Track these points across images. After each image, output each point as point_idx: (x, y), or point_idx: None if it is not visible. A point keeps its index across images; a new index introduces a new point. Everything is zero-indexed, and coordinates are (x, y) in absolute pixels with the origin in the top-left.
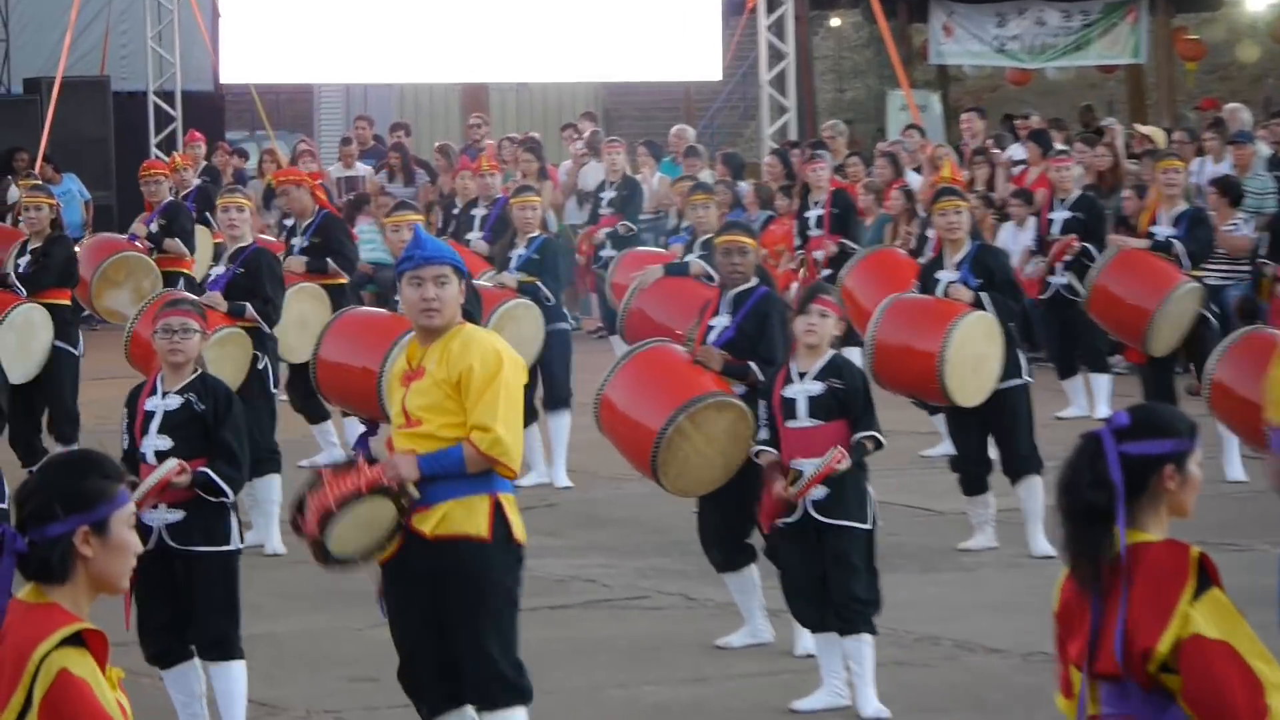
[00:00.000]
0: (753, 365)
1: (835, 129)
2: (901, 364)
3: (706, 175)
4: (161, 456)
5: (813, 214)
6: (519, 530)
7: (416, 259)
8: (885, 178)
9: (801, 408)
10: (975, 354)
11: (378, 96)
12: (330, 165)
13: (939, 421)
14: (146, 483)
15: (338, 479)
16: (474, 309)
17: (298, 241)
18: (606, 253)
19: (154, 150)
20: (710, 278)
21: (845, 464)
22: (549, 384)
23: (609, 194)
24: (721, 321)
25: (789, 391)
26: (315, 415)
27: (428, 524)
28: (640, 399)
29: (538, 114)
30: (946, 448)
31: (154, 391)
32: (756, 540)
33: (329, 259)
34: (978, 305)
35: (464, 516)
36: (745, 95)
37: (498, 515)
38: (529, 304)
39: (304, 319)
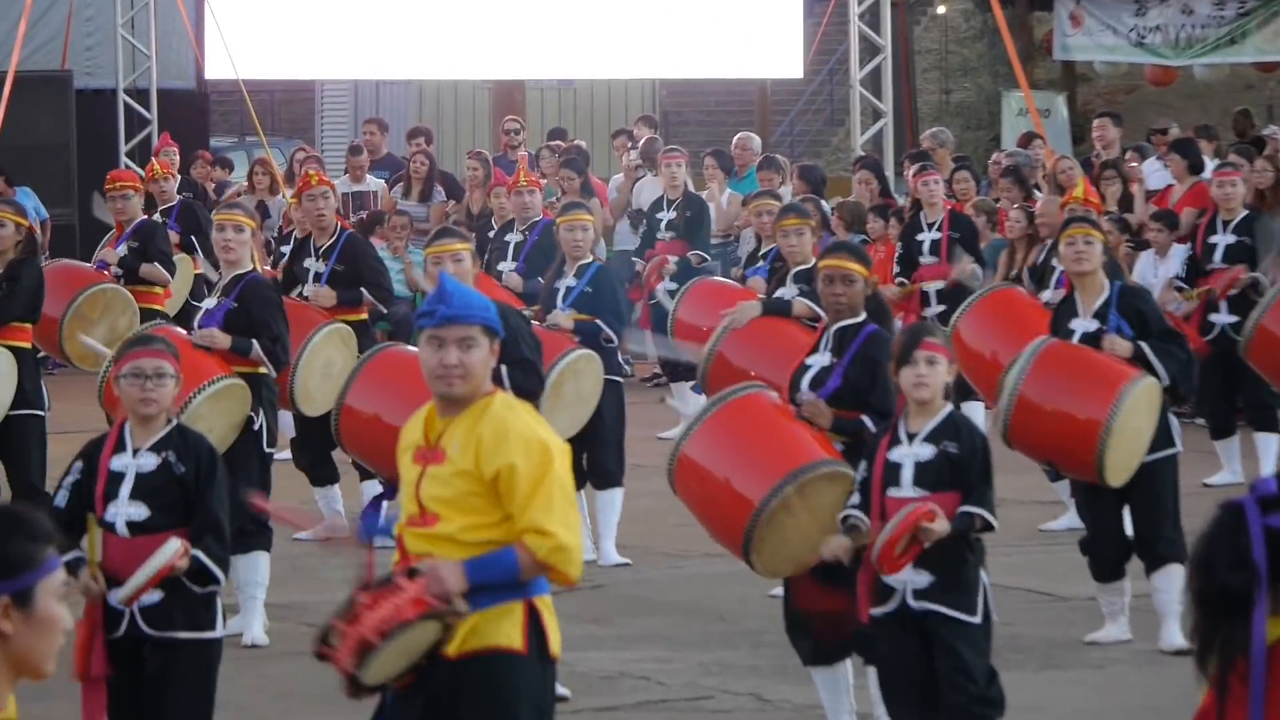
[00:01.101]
0: (866, 420)
1: (939, 138)
2: (1051, 428)
3: (785, 193)
4: (136, 529)
5: (927, 238)
6: (555, 641)
7: (438, 316)
8: (1012, 198)
9: (907, 474)
10: (1135, 425)
11: (392, 96)
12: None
13: (1061, 489)
14: (146, 570)
15: (376, 601)
16: (533, 358)
17: (313, 266)
18: (666, 285)
19: (124, 159)
20: (815, 321)
21: (940, 526)
22: (599, 451)
23: (667, 214)
24: (820, 360)
25: (895, 455)
26: (322, 477)
27: (451, 645)
28: (733, 461)
29: (583, 118)
30: (1070, 520)
31: (120, 447)
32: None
33: (364, 290)
34: (1138, 359)
35: (494, 628)
36: (832, 97)
37: (533, 623)
38: (591, 355)
39: (329, 367)
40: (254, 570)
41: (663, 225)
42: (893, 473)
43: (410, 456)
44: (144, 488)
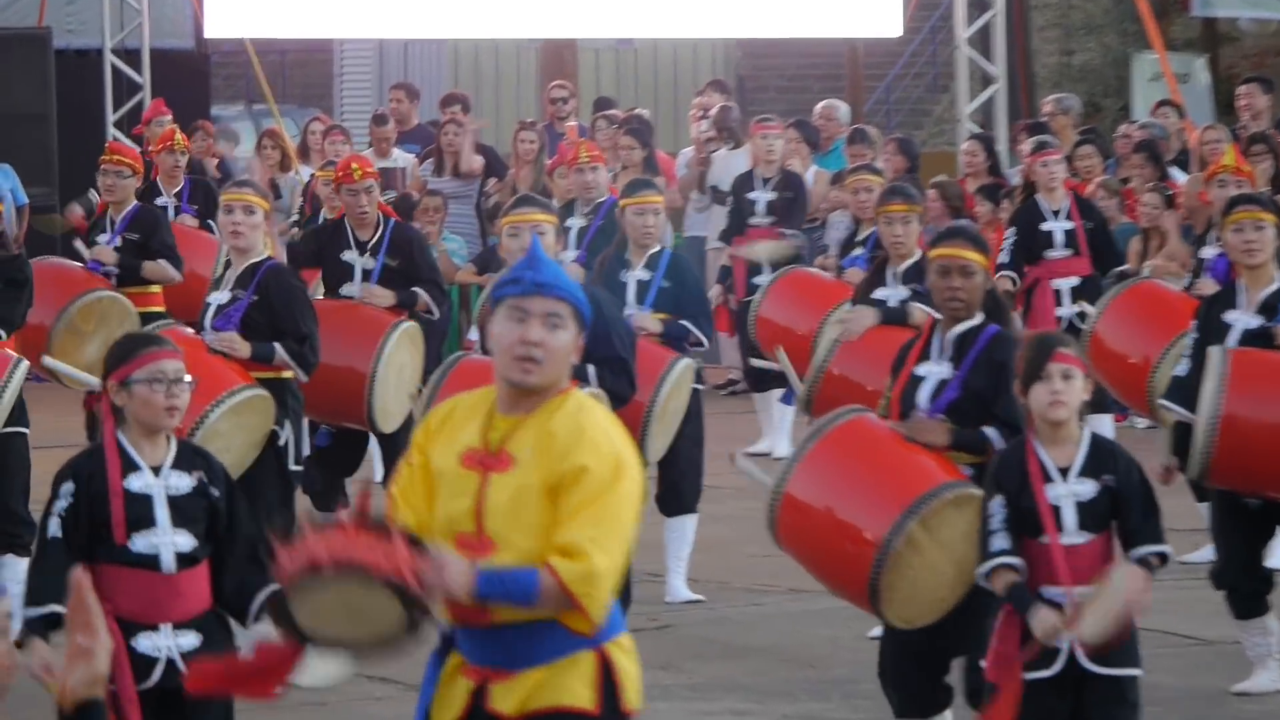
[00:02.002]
0: (990, 433)
1: (1060, 105)
2: (1267, 449)
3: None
4: (187, 561)
5: (1057, 227)
6: (633, 692)
7: (526, 283)
8: (1144, 177)
9: (1069, 518)
10: None
11: (423, 58)
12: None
13: (1207, 511)
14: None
15: (356, 535)
16: (628, 358)
17: (357, 261)
18: (761, 279)
19: (111, 130)
20: None
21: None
22: (674, 472)
23: (763, 193)
24: (936, 371)
25: (1051, 495)
26: (327, 507)
27: (510, 700)
28: (846, 499)
29: (644, 84)
30: (1211, 551)
31: (131, 466)
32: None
33: (419, 290)
34: None
35: (560, 684)
36: (934, 59)
37: (606, 676)
38: (691, 364)
39: (402, 372)
40: None
41: (759, 207)
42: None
43: (457, 459)
44: (184, 513)
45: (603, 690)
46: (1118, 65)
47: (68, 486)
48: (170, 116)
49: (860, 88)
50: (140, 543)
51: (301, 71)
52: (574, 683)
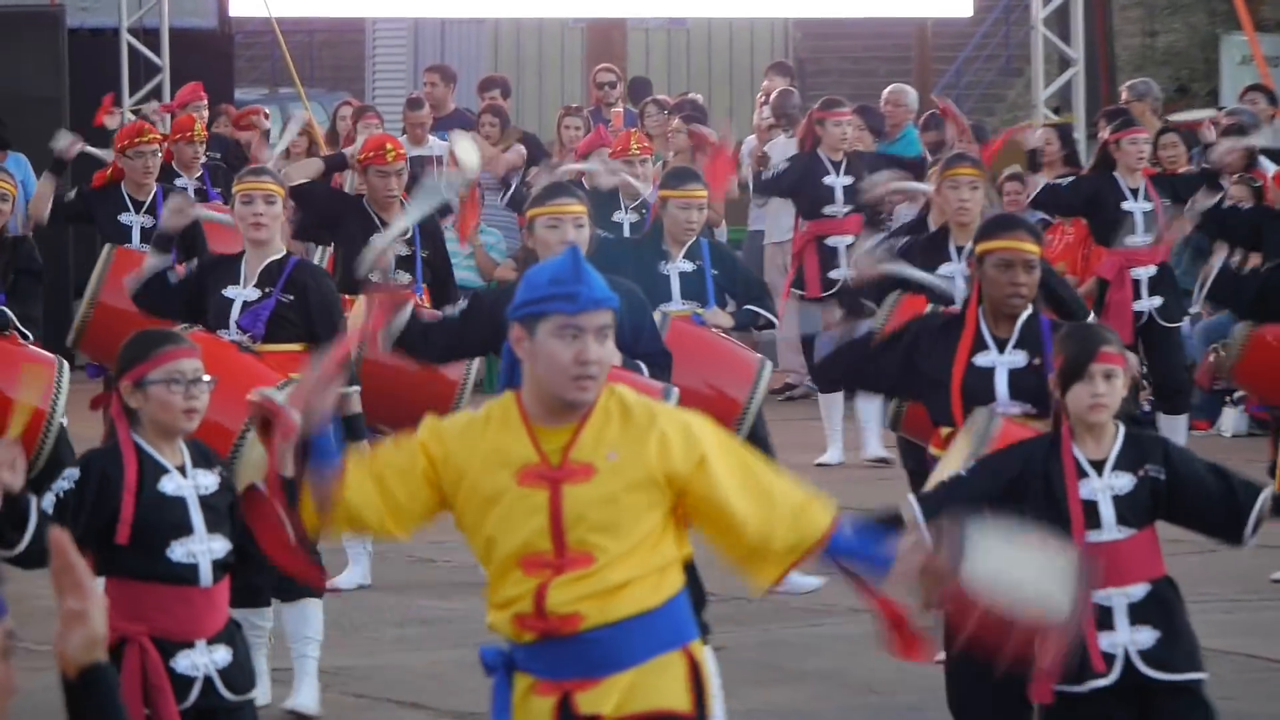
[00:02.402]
0: None
1: (1140, 90)
2: None
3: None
4: (222, 569)
5: (1136, 209)
6: (712, 695)
7: (580, 299)
8: (1233, 166)
9: (1107, 513)
10: None
11: (461, 39)
12: None
13: None
14: None
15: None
16: (667, 350)
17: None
18: (838, 273)
19: (128, 115)
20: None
21: None
22: None
23: (839, 179)
24: (1007, 360)
25: (1085, 491)
26: None
27: (608, 703)
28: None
29: (698, 66)
30: None
31: (156, 468)
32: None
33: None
34: None
35: (658, 685)
36: (1008, 40)
37: (695, 677)
38: (771, 366)
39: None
40: (304, 624)
41: (838, 194)
42: (1089, 513)
43: (512, 478)
44: (215, 514)
45: (695, 692)
46: (1205, 47)
47: (73, 472)
48: (205, 101)
49: (928, 71)
50: (179, 551)
51: (331, 53)
52: (670, 684)
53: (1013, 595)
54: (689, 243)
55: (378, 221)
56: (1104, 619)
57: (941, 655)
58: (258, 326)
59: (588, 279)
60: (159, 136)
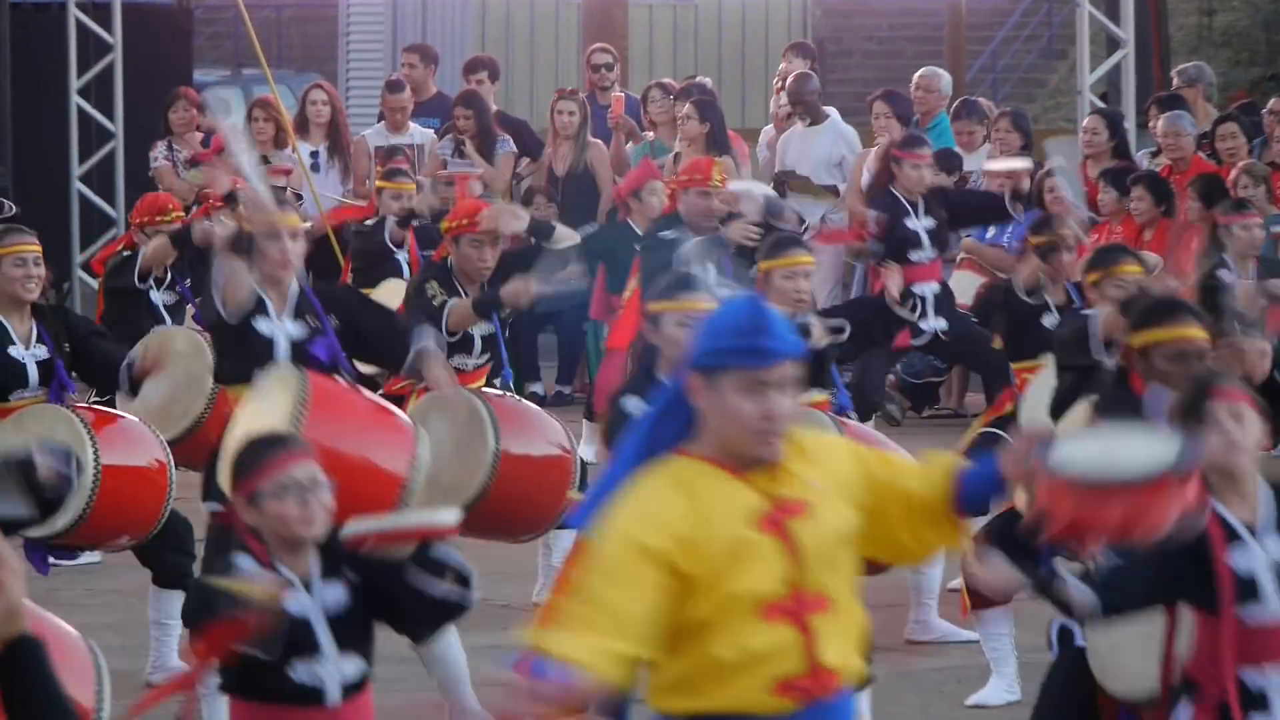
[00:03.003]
0: None
1: (1191, 75)
2: None
3: (986, 151)
4: (350, 693)
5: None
6: None
7: (767, 353)
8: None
9: (1268, 586)
10: None
11: (443, 15)
12: (367, 129)
13: None
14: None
15: None
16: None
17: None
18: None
19: (75, 99)
20: None
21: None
22: None
23: (922, 221)
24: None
25: (1242, 560)
26: None
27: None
28: None
29: (706, 47)
30: None
31: (276, 571)
32: None
33: None
34: None
35: None
36: (1052, 20)
37: None
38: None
39: None
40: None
41: (923, 238)
42: (1245, 588)
43: (752, 527)
44: (345, 631)
45: None
46: (1268, 27)
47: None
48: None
49: (962, 53)
50: (303, 670)
51: (300, 30)
52: None
53: (1114, 474)
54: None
55: (462, 291)
56: (1258, 702)
57: (974, 699)
58: (330, 357)
59: (772, 329)
60: (182, 215)
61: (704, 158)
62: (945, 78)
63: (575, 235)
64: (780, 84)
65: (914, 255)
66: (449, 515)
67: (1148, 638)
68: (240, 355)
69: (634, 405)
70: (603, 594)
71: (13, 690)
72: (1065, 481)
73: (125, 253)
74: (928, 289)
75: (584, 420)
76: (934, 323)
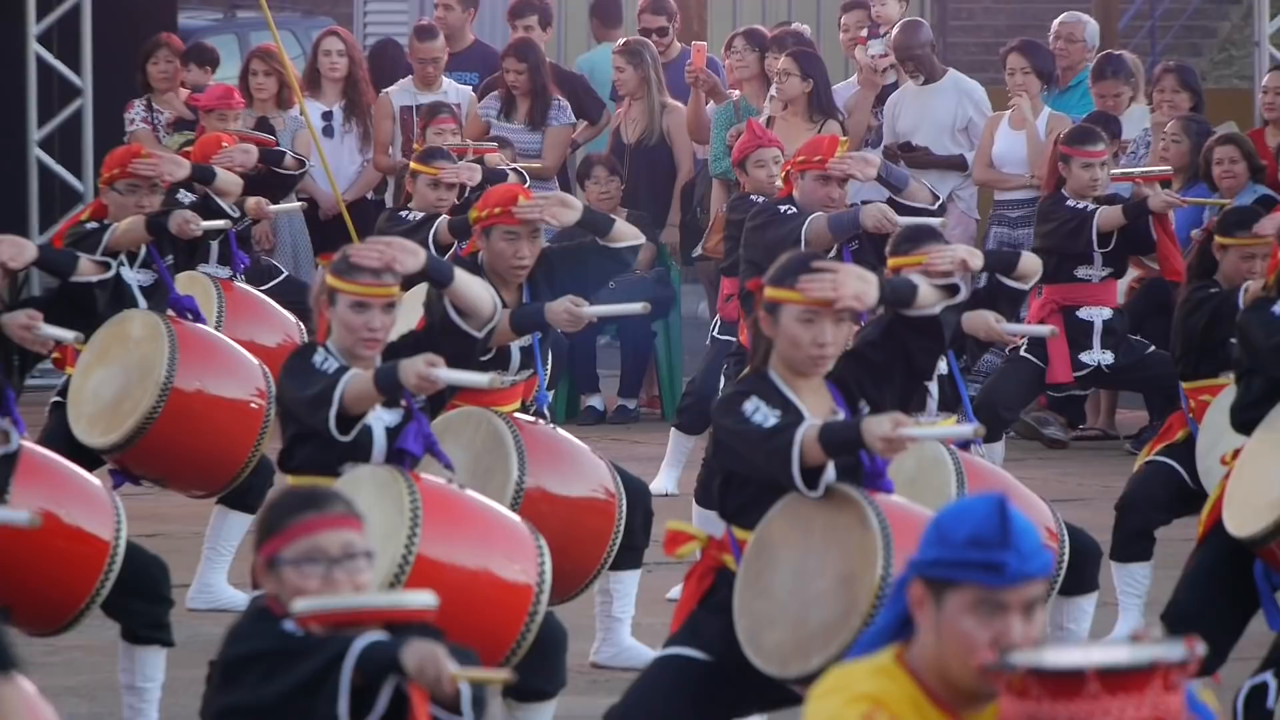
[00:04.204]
0: None
1: None
2: None
3: (1138, 113)
4: None
5: None
6: None
7: (1008, 571)
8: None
9: None
10: None
11: None
12: (390, 87)
13: None
14: None
15: None
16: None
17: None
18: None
19: (35, 47)
20: None
21: None
22: None
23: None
24: None
25: None
26: None
27: None
28: None
29: None
30: None
31: None
32: None
33: None
34: None
35: None
36: None
37: None
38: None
39: None
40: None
41: (1095, 255)
42: None
43: None
44: None
45: None
46: None
47: None
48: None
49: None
50: None
51: None
52: None
53: None
54: None
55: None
56: None
57: None
58: (422, 450)
59: (1018, 542)
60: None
61: (827, 136)
62: (1092, 25)
63: (639, 235)
64: (865, 32)
65: (1081, 271)
66: (425, 598)
67: None
68: (322, 443)
69: (753, 408)
70: None
71: None
72: None
73: (89, 225)
74: (1096, 314)
75: (673, 430)
76: (1098, 355)
